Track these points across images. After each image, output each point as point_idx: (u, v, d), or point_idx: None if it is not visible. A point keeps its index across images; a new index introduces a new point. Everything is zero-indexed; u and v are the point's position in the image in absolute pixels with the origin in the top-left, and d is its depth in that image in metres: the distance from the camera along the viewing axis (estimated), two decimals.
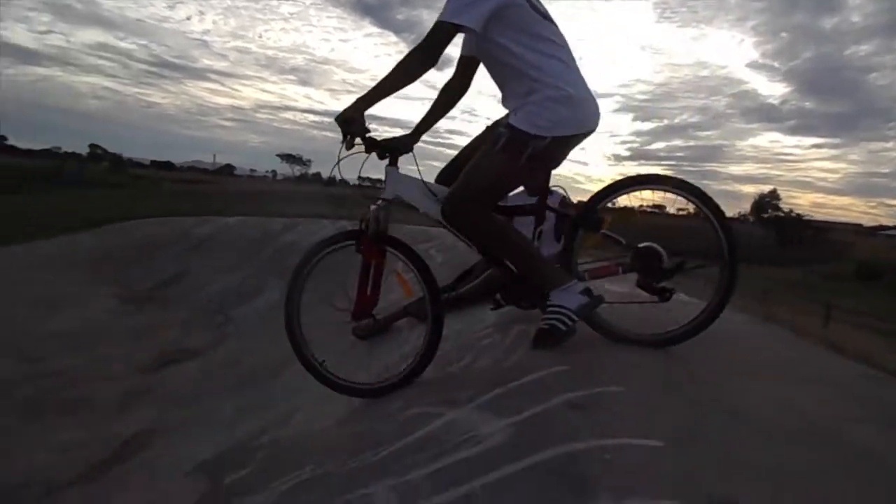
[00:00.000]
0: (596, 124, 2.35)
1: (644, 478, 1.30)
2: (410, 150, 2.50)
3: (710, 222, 2.32)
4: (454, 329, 3.08)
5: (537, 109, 2.22)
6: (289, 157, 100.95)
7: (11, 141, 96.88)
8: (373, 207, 2.45)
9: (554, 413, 1.70)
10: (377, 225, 2.44)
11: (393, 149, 2.41)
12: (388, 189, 2.43)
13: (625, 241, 2.44)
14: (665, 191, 2.38)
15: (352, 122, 2.20)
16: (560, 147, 2.29)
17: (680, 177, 2.39)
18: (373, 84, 2.20)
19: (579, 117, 2.28)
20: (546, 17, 2.31)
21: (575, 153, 2.51)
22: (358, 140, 2.28)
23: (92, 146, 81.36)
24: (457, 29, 2.16)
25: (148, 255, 8.81)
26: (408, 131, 2.57)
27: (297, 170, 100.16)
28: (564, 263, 2.46)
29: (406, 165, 2.47)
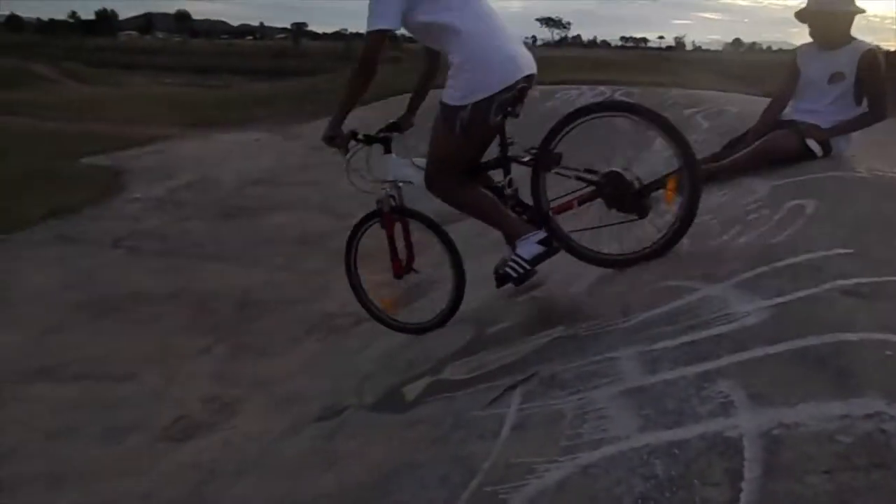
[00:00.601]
0: (525, 73, 2.33)
1: None
2: (407, 128, 2.85)
3: (676, 156, 2.17)
4: (716, 202, 2.87)
5: (454, 81, 2.32)
6: (548, 21, 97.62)
7: (311, 26, 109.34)
8: (382, 191, 2.83)
9: (824, 298, 1.54)
10: (392, 201, 2.83)
11: (384, 139, 2.75)
12: (390, 174, 2.78)
13: (577, 174, 2.39)
14: (624, 118, 2.25)
15: (333, 139, 2.60)
16: (487, 108, 2.29)
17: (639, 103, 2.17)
18: None
19: (494, 78, 2.28)
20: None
21: None
22: (352, 143, 2.65)
23: None
24: (381, 34, 2.32)
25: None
26: None
27: (556, 34, 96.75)
28: (535, 204, 2.48)
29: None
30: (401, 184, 2.82)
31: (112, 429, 3.13)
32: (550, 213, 2.49)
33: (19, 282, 4.83)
